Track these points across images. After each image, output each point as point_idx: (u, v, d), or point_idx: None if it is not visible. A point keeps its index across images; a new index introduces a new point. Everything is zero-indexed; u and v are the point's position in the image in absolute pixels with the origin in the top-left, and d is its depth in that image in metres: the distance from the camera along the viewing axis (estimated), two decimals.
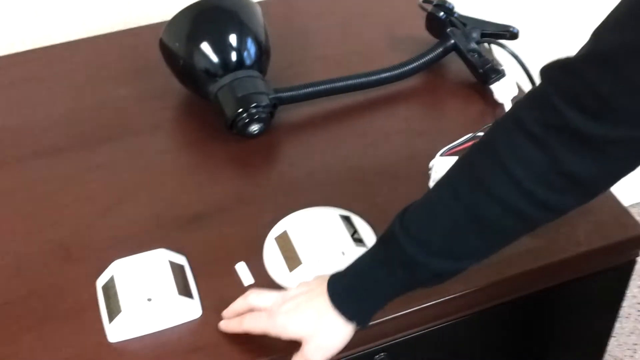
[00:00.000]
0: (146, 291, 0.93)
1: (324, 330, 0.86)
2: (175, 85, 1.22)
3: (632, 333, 1.89)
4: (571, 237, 0.96)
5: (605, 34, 0.73)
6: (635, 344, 1.88)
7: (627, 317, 1.93)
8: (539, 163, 0.76)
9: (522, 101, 0.80)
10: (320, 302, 0.86)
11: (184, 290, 0.95)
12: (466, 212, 0.81)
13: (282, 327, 0.88)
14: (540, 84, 0.78)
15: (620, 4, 0.72)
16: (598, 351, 1.19)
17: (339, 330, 0.87)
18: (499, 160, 0.78)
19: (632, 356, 1.86)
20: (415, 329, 0.98)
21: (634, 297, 1.98)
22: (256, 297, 0.91)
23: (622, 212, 1.04)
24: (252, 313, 0.90)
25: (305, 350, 0.87)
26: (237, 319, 0.91)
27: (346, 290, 0.86)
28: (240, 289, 0.96)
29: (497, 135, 0.80)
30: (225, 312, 0.93)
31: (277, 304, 0.89)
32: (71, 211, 1.08)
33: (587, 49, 0.73)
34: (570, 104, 0.74)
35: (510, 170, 0.78)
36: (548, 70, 0.77)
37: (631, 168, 0.77)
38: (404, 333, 0.97)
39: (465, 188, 0.81)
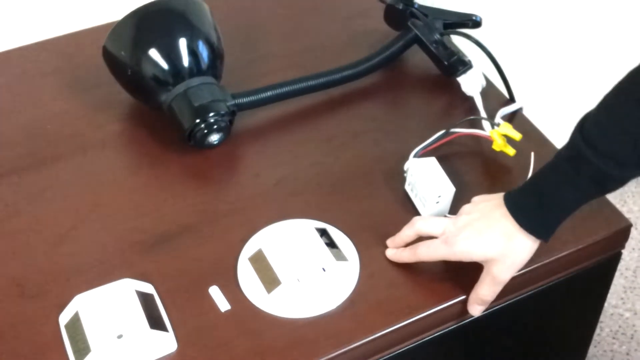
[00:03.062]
0: (115, 327, 0.86)
1: (514, 249, 0.89)
2: (122, 96, 1.14)
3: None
4: (558, 235, 0.92)
5: None
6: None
7: None
8: None
9: None
10: (504, 225, 0.89)
11: (156, 323, 0.88)
12: None
13: (465, 252, 0.90)
14: None
15: None
16: (583, 345, 1.16)
17: (529, 248, 0.90)
18: None
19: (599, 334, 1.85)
20: (401, 345, 0.93)
21: None
22: (424, 224, 0.93)
23: (605, 204, 1.00)
24: (425, 242, 0.93)
25: (495, 270, 0.90)
26: (408, 249, 0.94)
27: (532, 212, 0.89)
28: (216, 315, 0.90)
29: None
30: (392, 242, 0.96)
31: (451, 231, 0.91)
32: (21, 242, 0.99)
33: None
34: None
35: None
36: None
37: None
38: (390, 350, 0.92)
39: None
